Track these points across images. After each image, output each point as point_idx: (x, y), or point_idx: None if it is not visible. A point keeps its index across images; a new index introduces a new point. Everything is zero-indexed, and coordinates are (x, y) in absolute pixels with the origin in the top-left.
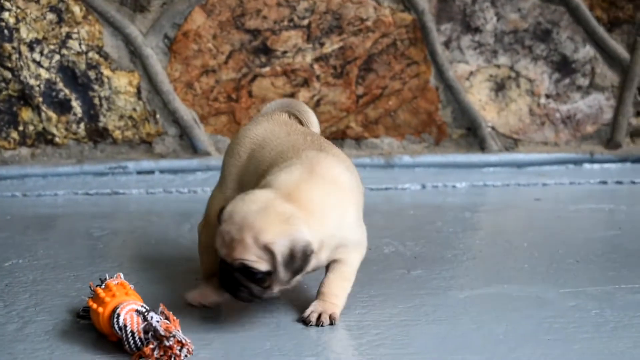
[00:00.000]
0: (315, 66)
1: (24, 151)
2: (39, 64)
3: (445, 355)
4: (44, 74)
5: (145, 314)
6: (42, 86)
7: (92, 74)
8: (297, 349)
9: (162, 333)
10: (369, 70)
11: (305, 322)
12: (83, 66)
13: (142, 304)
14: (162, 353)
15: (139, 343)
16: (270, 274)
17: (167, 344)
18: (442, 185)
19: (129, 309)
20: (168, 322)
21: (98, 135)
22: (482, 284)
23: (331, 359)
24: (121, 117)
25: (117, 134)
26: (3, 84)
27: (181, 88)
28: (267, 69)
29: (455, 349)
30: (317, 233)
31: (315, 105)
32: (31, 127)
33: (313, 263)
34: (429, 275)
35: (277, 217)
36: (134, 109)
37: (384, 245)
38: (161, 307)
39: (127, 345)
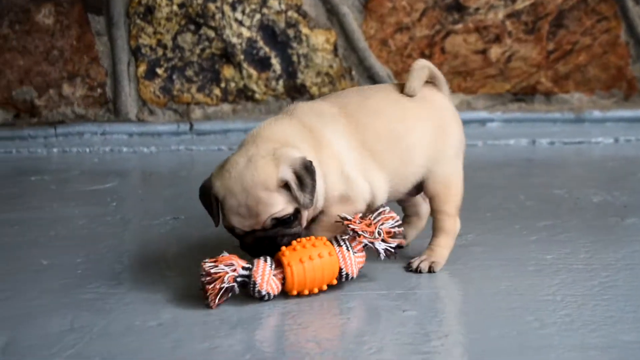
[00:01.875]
0: (507, 22)
1: (226, 107)
2: (240, 23)
3: None
4: (246, 33)
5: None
6: (243, 44)
7: (291, 32)
8: (533, 289)
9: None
10: (559, 26)
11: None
12: (282, 24)
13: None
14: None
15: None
16: (297, 211)
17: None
18: (635, 139)
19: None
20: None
21: (296, 91)
22: None
23: (567, 299)
24: (318, 73)
25: (314, 90)
26: (207, 43)
27: (376, 45)
28: (459, 26)
29: None
30: (300, 152)
31: (506, 61)
32: (232, 84)
33: (319, 184)
34: None
35: (265, 160)
36: (331, 66)
37: (592, 194)
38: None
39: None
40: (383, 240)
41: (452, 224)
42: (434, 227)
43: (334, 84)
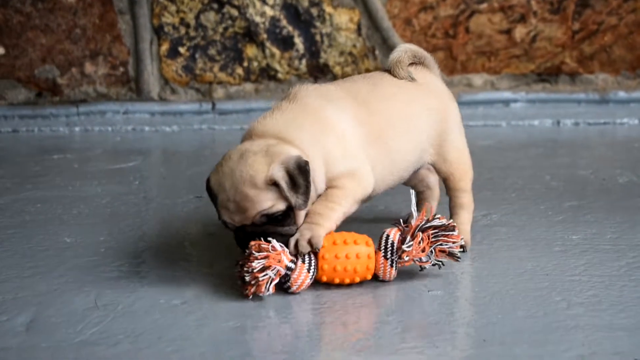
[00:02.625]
0: (532, 2)
1: (248, 86)
2: (264, 1)
3: None
4: (269, 12)
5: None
6: (266, 23)
7: (314, 11)
8: (559, 269)
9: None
10: (585, 5)
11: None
12: (306, 3)
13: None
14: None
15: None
16: (290, 209)
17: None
18: None
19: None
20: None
21: (319, 71)
22: None
23: (594, 279)
24: (341, 53)
25: (337, 69)
26: (230, 22)
27: (400, 24)
28: (484, 5)
29: None
30: (297, 149)
31: (531, 41)
32: (255, 63)
33: (318, 180)
34: None
35: (257, 156)
36: (354, 45)
37: (617, 175)
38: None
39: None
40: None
41: (469, 199)
42: (453, 206)
43: (357, 63)
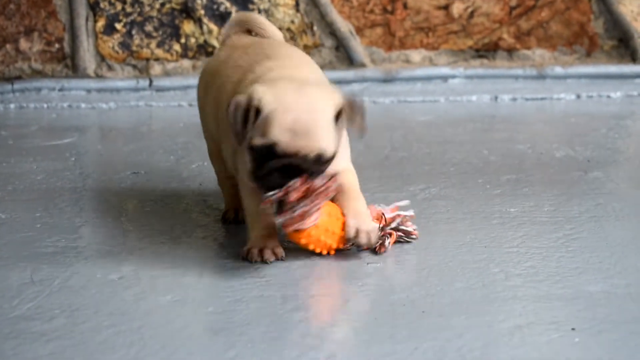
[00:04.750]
0: None
1: (186, 63)
2: None
3: None
4: None
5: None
6: None
7: None
8: (498, 241)
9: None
10: None
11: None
12: None
13: None
14: None
15: None
16: (334, 156)
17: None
18: (597, 95)
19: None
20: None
21: None
22: None
23: (532, 251)
24: (279, 29)
25: None
26: None
27: (338, 0)
28: None
29: None
30: None
31: (469, 17)
32: (192, 40)
33: None
34: (606, 177)
35: (326, 89)
36: (292, 21)
37: (554, 150)
38: None
39: None
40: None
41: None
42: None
43: (295, 39)
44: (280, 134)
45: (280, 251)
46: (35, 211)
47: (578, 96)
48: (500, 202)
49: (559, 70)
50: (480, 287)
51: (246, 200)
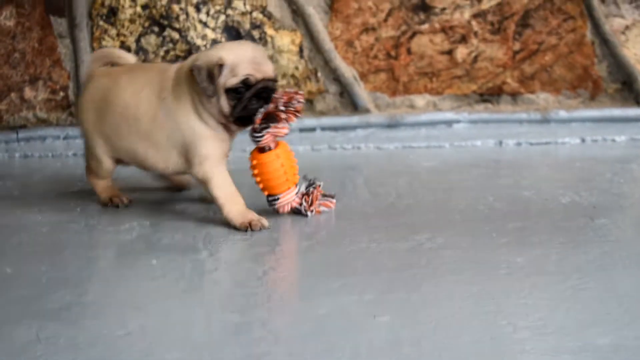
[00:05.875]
0: (473, 22)
1: None
2: (205, 24)
3: None
4: (210, 34)
5: None
6: (207, 46)
7: (255, 33)
8: (505, 293)
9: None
10: (525, 25)
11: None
12: (247, 26)
13: None
14: None
15: None
16: None
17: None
18: (602, 138)
19: None
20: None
21: None
22: None
23: (540, 302)
24: (284, 75)
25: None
26: (171, 45)
27: (342, 46)
28: (425, 26)
29: None
30: None
31: (473, 62)
32: None
33: None
34: (613, 223)
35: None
36: (296, 68)
37: (560, 195)
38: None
39: None
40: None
41: None
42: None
43: (300, 85)
44: (248, 69)
45: (265, 222)
46: (41, 265)
47: (583, 140)
48: (506, 251)
49: (563, 114)
50: (488, 341)
51: (219, 179)
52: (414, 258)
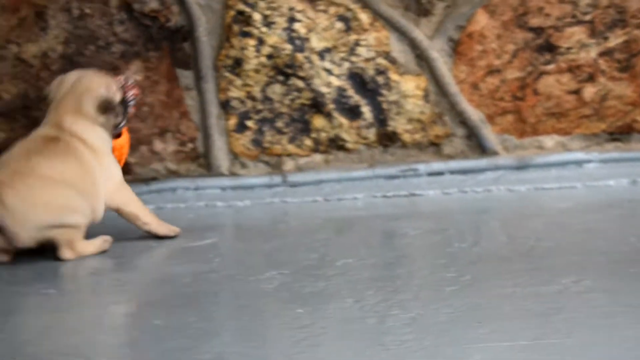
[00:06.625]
0: (600, 61)
1: (318, 157)
2: (329, 72)
3: None
4: (335, 82)
5: None
6: (332, 93)
7: (380, 79)
8: None
9: None
10: None
11: None
12: (371, 72)
13: None
14: None
15: None
16: None
17: None
18: None
19: None
20: None
21: (387, 139)
22: None
23: None
24: (410, 120)
25: (406, 137)
26: (296, 93)
27: (467, 89)
28: (552, 66)
29: None
30: None
31: (601, 100)
32: (323, 134)
33: None
34: None
35: None
36: (422, 112)
37: None
38: None
39: None
40: None
41: None
42: None
43: (426, 130)
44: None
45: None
46: (188, 316)
47: None
48: None
49: None
50: None
51: (132, 198)
52: (561, 302)
